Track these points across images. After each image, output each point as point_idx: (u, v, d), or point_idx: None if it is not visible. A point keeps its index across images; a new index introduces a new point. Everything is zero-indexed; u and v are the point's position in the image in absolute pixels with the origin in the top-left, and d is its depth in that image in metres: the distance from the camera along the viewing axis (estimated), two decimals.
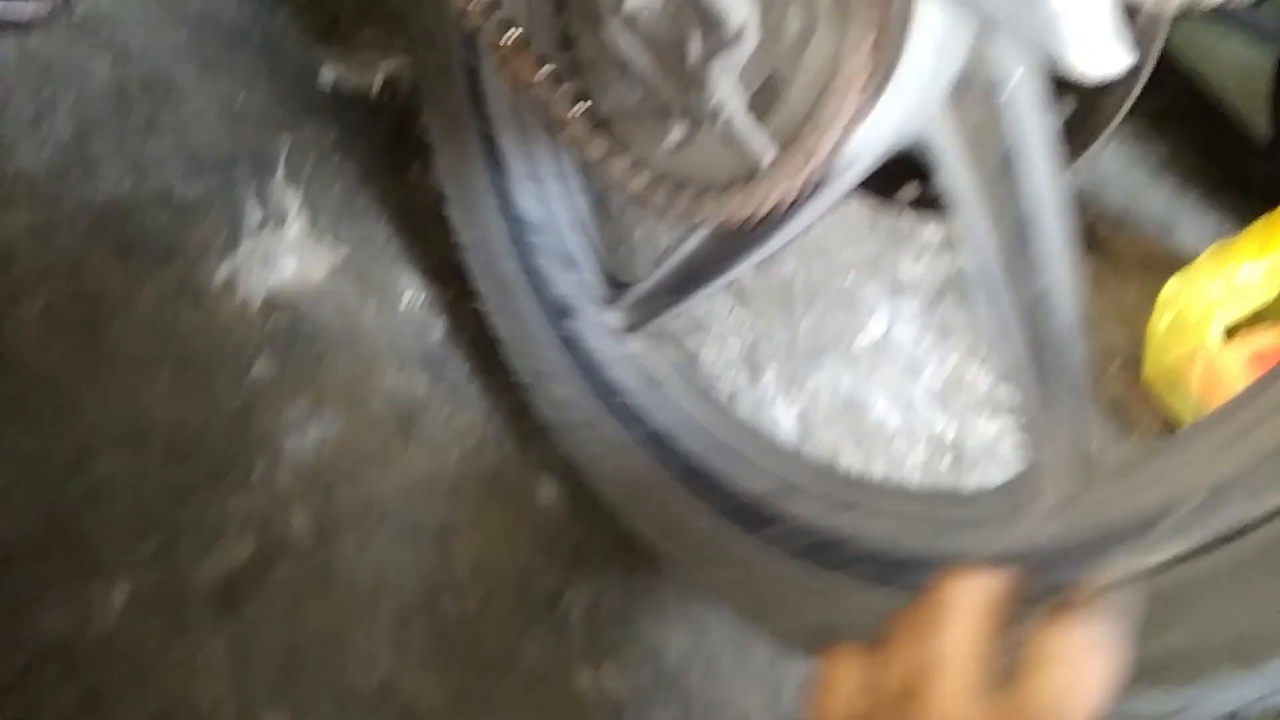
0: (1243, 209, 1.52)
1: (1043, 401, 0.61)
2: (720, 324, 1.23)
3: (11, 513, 0.85)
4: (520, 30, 0.70)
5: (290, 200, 1.11)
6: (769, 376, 1.22)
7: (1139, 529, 0.53)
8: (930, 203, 0.95)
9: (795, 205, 0.64)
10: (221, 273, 1.03)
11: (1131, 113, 0.83)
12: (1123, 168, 1.58)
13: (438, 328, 1.09)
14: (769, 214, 0.63)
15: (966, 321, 1.34)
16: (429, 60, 0.97)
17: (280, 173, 1.12)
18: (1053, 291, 0.59)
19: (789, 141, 0.59)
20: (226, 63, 1.17)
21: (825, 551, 0.73)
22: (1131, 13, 0.62)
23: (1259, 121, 1.45)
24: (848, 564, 0.71)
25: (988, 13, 0.51)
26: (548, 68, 0.70)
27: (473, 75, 0.94)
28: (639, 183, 0.70)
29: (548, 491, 1.03)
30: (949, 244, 1.43)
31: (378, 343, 1.05)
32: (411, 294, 1.10)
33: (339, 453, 0.98)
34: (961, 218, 0.61)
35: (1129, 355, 1.35)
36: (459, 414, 1.05)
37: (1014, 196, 0.58)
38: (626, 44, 0.65)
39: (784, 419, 1.20)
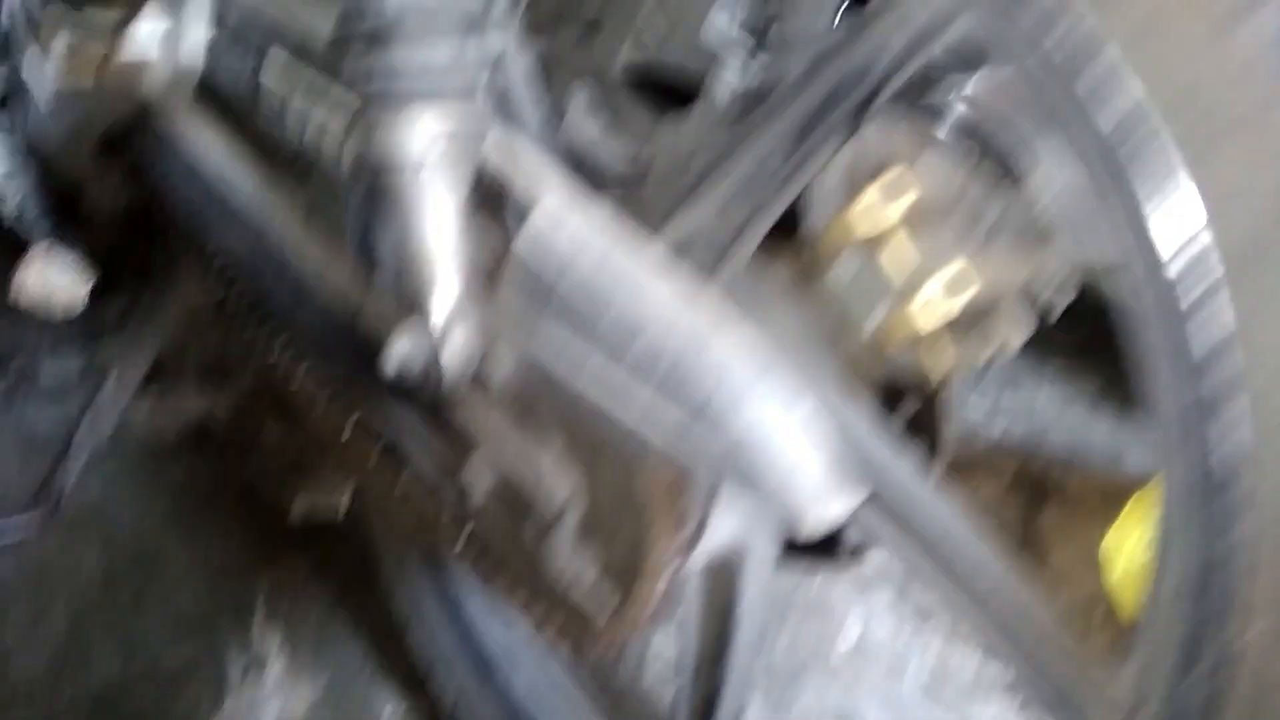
0: None
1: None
2: None
3: None
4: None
5: (270, 639, 1.19)
6: (754, 708, 1.24)
7: None
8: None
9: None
10: None
11: (1056, 351, 0.89)
12: (1059, 409, 1.64)
13: None
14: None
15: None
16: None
17: (260, 614, 1.21)
18: None
19: (626, 589, 0.67)
20: (206, 521, 1.29)
21: None
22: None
23: None
24: None
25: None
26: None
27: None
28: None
29: None
30: None
31: None
32: (391, 708, 1.15)
33: None
34: None
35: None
36: None
37: None
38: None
39: None
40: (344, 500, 1.34)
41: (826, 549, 0.90)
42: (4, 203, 1.09)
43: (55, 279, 0.94)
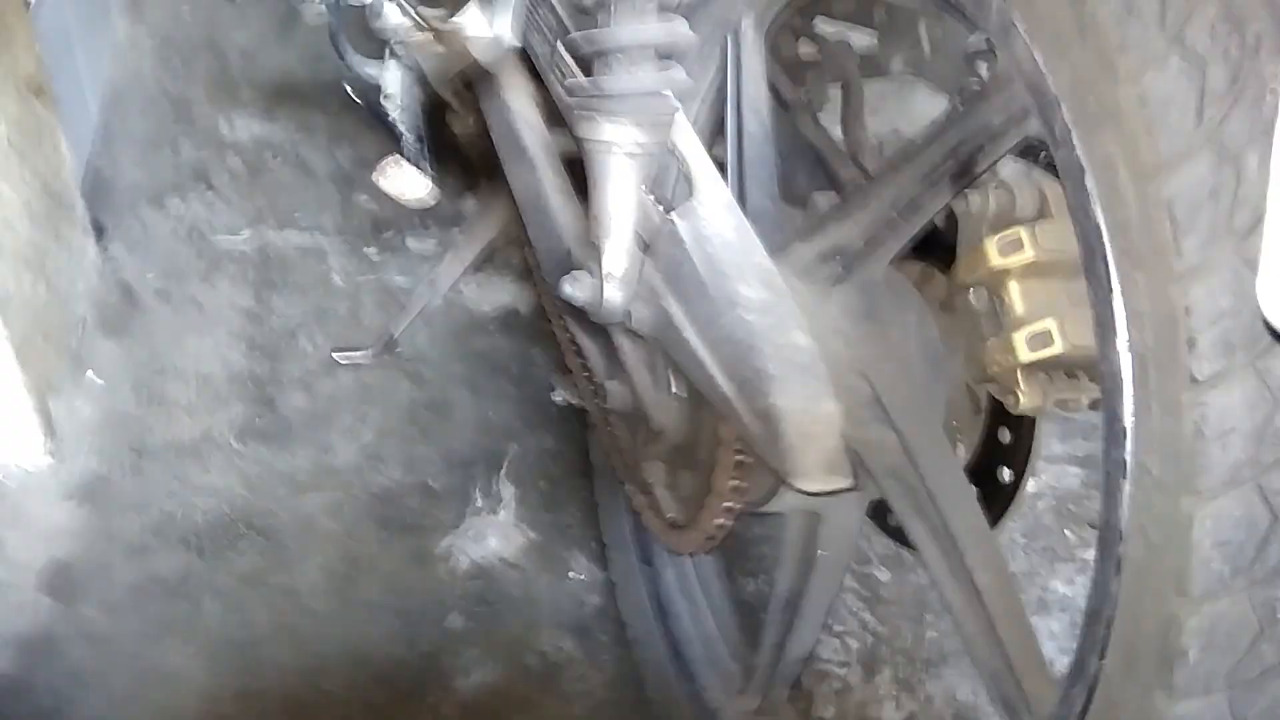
0: None
1: None
2: (843, 623, 1.40)
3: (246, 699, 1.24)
4: None
5: (506, 493, 1.49)
6: (883, 678, 1.36)
7: None
8: None
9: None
10: (444, 544, 1.42)
11: None
12: None
13: (593, 602, 1.38)
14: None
15: None
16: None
17: (505, 471, 1.51)
18: None
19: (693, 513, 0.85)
20: (491, 385, 1.61)
21: None
22: None
23: None
24: None
25: None
26: None
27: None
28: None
29: None
30: None
31: (543, 610, 1.37)
32: (579, 573, 1.41)
33: (493, 696, 1.29)
34: None
35: None
36: (592, 674, 1.32)
37: None
38: None
39: None
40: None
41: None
42: (392, 110, 1.43)
43: (403, 183, 1.25)
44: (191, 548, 1.37)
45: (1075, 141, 0.58)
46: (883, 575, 1.44)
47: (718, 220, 0.80)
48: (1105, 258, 0.59)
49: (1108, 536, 0.59)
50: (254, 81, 2.10)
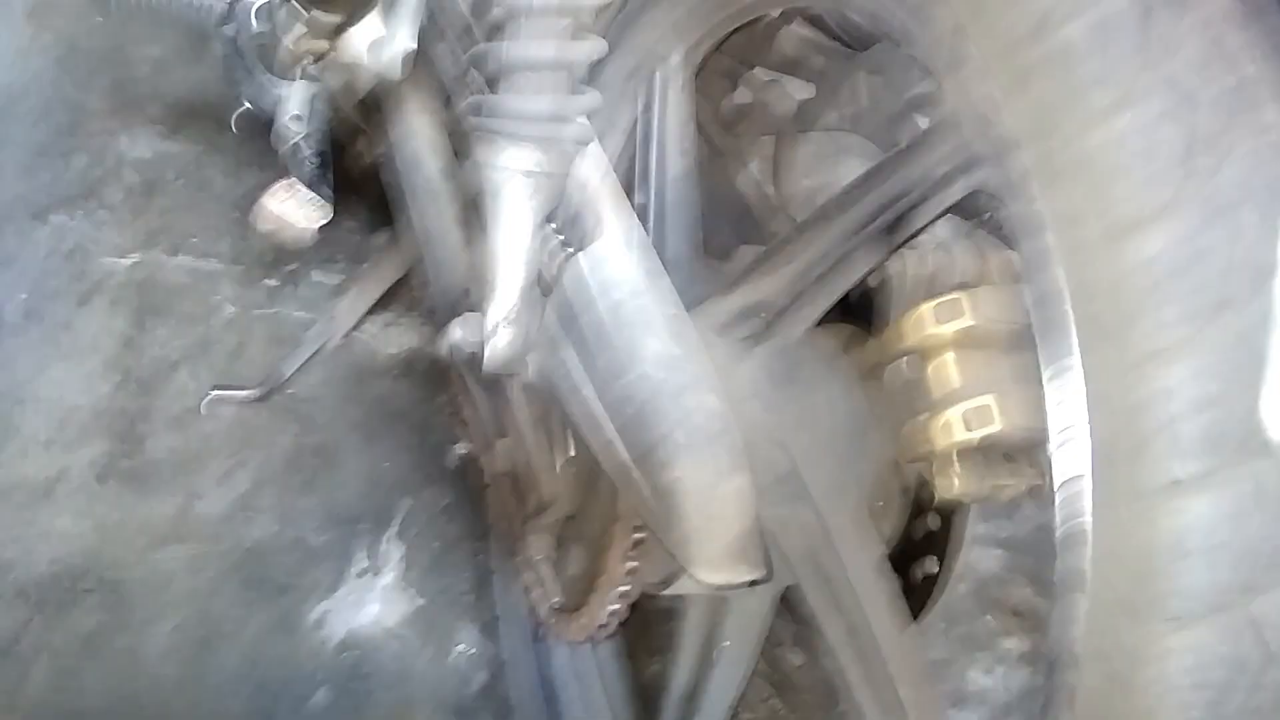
0: None
1: None
2: (751, 710, 1.29)
3: None
4: None
5: (394, 553, 1.35)
6: None
7: None
8: None
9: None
10: (319, 610, 1.28)
11: None
12: None
13: (477, 680, 1.25)
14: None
15: None
16: None
17: (394, 529, 1.38)
18: None
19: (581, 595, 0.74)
20: (384, 435, 1.48)
21: None
22: None
23: None
24: None
25: None
26: None
27: None
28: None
29: None
30: (1030, 658, 1.40)
31: (422, 687, 1.23)
32: (464, 646, 1.28)
33: None
34: None
35: None
36: None
37: None
38: None
39: None
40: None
41: None
42: (297, 130, 1.32)
43: (292, 212, 1.13)
44: (30, 601, 1.21)
45: (1034, 192, 0.50)
46: (796, 659, 1.34)
47: (625, 262, 0.70)
48: (1065, 328, 0.50)
49: (1059, 659, 0.50)
50: (162, 96, 1.97)
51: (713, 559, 0.61)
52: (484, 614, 1.30)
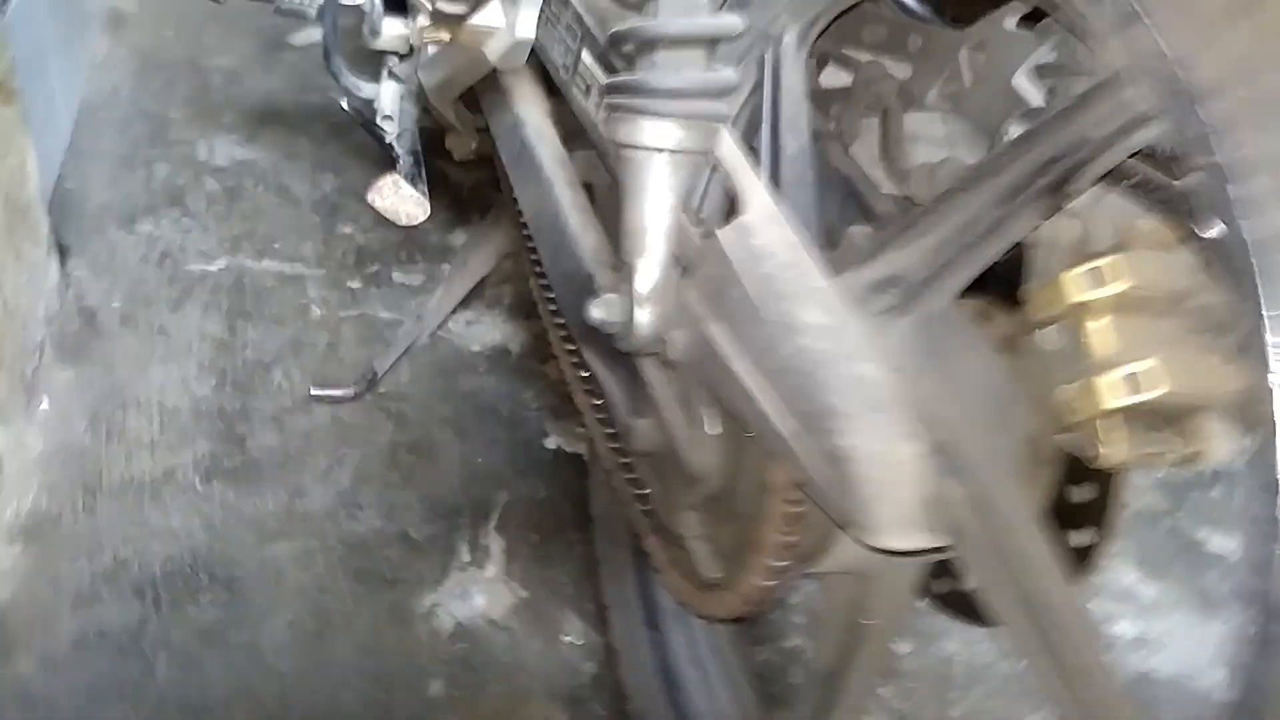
0: None
1: None
2: None
3: None
4: None
5: (495, 546, 1.36)
6: None
7: None
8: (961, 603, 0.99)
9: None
10: (426, 602, 1.29)
11: None
12: None
13: (588, 670, 1.25)
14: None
15: None
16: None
17: (493, 522, 1.39)
18: None
19: (731, 573, 0.73)
20: (477, 430, 1.50)
21: None
22: None
23: None
24: None
25: None
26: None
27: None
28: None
29: None
30: (1139, 642, 1.38)
31: (533, 677, 1.24)
32: (573, 637, 1.28)
33: None
34: None
35: None
36: None
37: None
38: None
39: None
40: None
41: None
42: (390, 130, 1.34)
43: (396, 208, 1.15)
44: (146, 599, 1.24)
45: (1240, 139, 0.49)
46: (904, 647, 1.33)
47: (769, 236, 0.70)
48: (1253, 277, 0.49)
49: (1266, 614, 0.49)
50: (236, 105, 2.01)
51: (890, 524, 0.61)
52: (587, 605, 1.31)
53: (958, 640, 1.35)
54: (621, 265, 0.77)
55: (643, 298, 0.74)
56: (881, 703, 1.28)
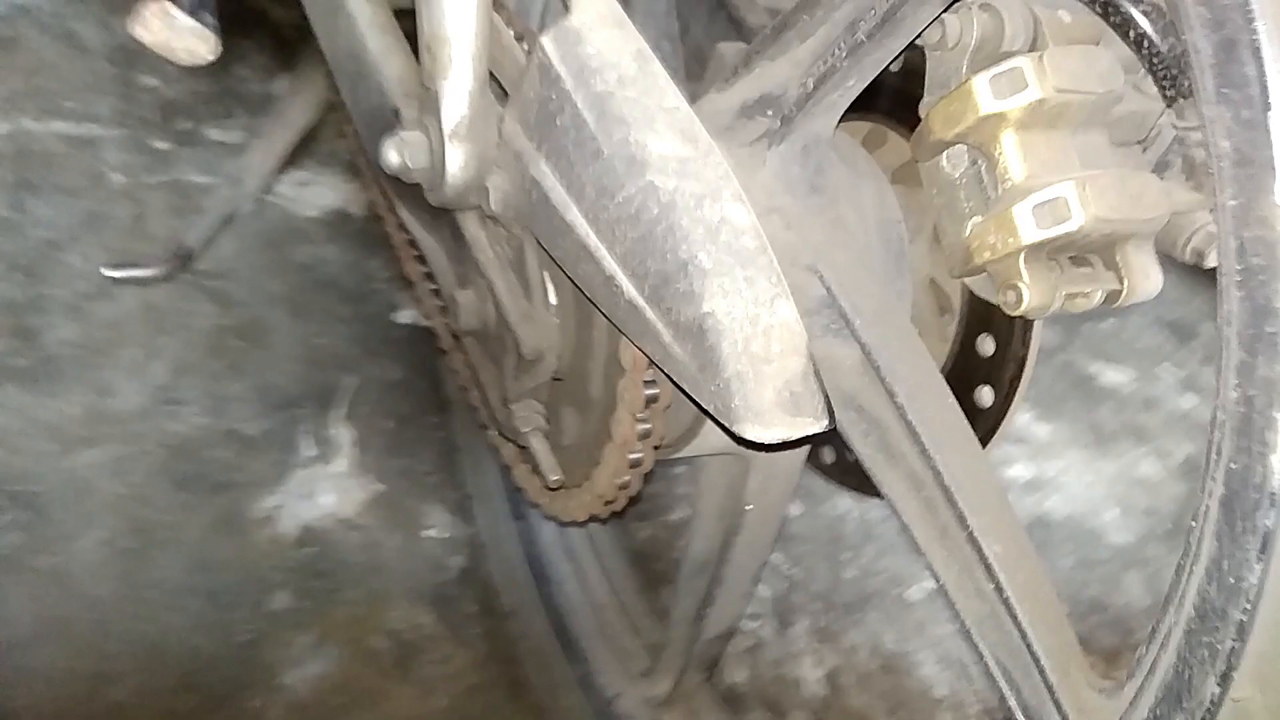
0: None
1: None
2: None
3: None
4: None
5: (344, 437, 1.21)
6: (799, 629, 1.17)
7: None
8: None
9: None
10: (265, 505, 1.14)
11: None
12: None
13: (454, 565, 1.14)
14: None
15: None
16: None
17: (341, 410, 1.23)
18: None
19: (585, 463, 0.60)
20: (315, 308, 1.32)
21: None
22: None
23: None
24: None
25: None
26: None
27: None
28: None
29: None
30: (1034, 485, 1.33)
31: (393, 578, 1.11)
32: (436, 530, 1.16)
33: (332, 690, 1.03)
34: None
35: None
36: (457, 655, 1.08)
37: None
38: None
39: (809, 679, 1.14)
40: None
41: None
42: None
43: (174, 38, 0.93)
44: None
45: None
46: (793, 509, 1.25)
47: (605, 42, 0.54)
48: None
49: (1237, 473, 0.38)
50: None
51: (761, 411, 0.48)
52: (452, 494, 1.18)
53: (849, 498, 1.27)
54: (425, 92, 0.61)
55: (450, 134, 0.58)
56: (771, 568, 1.20)
